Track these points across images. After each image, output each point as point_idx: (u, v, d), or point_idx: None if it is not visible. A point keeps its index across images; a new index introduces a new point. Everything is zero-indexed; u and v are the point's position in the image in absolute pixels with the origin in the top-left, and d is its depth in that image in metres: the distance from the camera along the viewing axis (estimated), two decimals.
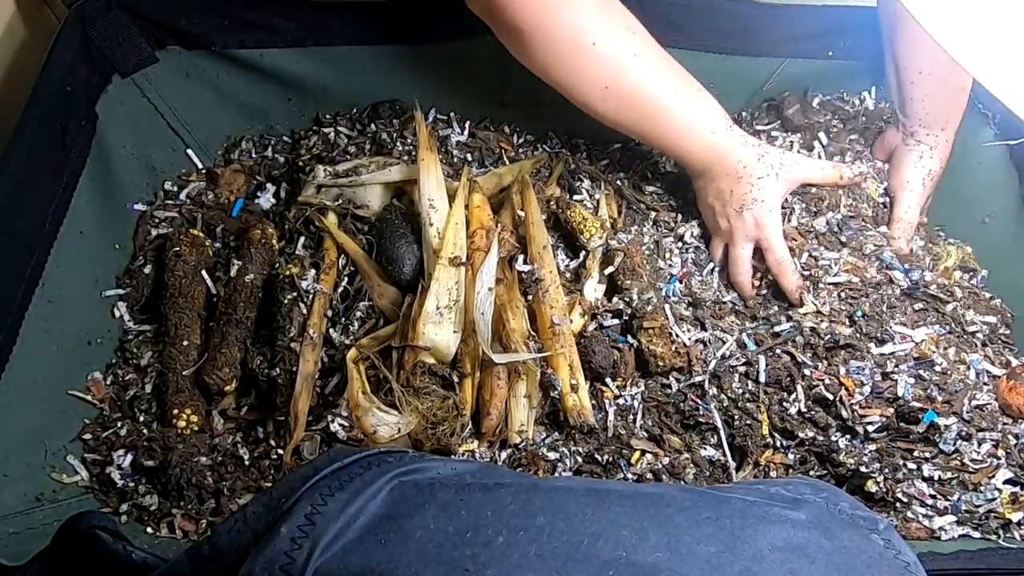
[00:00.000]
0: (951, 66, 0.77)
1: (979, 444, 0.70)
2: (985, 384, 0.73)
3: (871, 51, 0.95)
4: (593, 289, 0.83)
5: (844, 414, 0.72)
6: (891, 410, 0.71)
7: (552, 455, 0.74)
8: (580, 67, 0.78)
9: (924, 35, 0.71)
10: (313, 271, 0.81)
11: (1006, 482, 0.68)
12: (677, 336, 0.79)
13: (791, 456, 0.74)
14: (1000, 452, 0.69)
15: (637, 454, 0.75)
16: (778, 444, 0.74)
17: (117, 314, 0.84)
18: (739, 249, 0.83)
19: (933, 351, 0.74)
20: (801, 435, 0.73)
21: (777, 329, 0.78)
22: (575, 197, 0.93)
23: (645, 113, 0.80)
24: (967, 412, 0.70)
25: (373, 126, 0.98)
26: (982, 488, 0.67)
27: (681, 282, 0.84)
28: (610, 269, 0.84)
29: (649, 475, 0.74)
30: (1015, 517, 0.66)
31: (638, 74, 0.78)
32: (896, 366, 0.73)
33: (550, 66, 0.79)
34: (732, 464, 0.75)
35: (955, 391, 0.71)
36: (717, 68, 0.99)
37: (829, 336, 0.75)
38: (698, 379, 0.78)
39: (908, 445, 0.70)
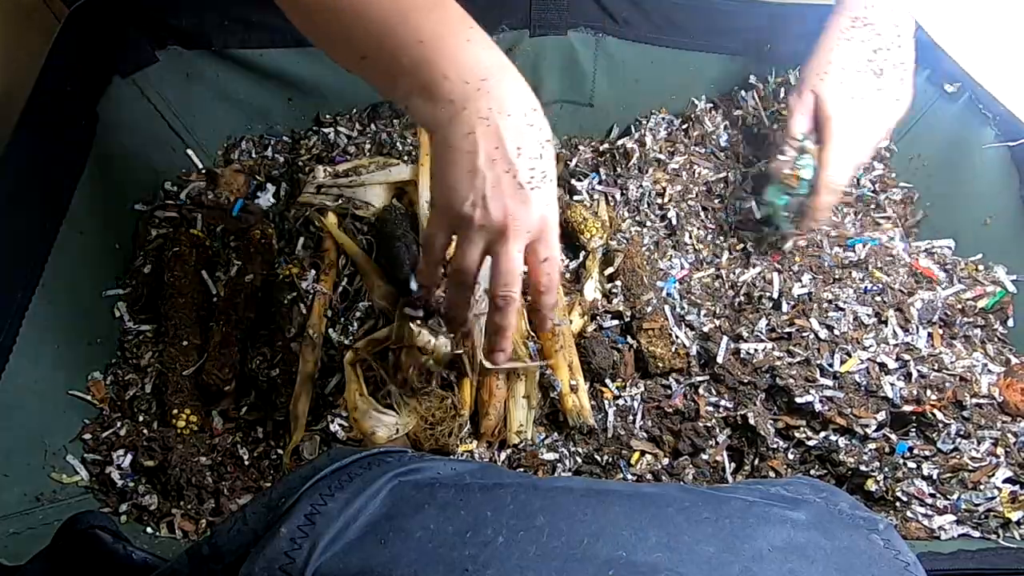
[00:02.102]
0: None
1: (978, 443, 0.70)
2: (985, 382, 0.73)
3: None
4: (593, 289, 0.83)
5: (841, 421, 0.72)
6: (882, 414, 0.71)
7: (552, 455, 0.74)
8: None
9: None
10: (313, 271, 0.81)
11: (1005, 481, 0.68)
12: (677, 337, 0.79)
13: (791, 456, 0.74)
14: (999, 451, 0.69)
15: (637, 455, 0.75)
16: (778, 444, 0.74)
17: (117, 314, 0.84)
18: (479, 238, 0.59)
19: (932, 349, 0.74)
20: (800, 435, 0.73)
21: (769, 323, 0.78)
22: (575, 197, 0.93)
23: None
24: (966, 411, 0.70)
25: (373, 126, 0.98)
26: (981, 487, 0.67)
27: (681, 283, 0.84)
28: (610, 270, 0.84)
29: (649, 476, 0.74)
30: (1015, 516, 0.66)
31: None
32: (890, 366, 0.73)
33: None
34: (731, 465, 0.75)
35: (954, 390, 0.71)
36: (717, 68, 0.99)
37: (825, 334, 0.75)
38: (698, 379, 0.78)
39: (908, 444, 0.71)
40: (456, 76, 0.54)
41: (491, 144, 0.55)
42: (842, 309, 0.77)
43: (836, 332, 0.75)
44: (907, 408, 0.71)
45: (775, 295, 0.79)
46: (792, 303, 0.79)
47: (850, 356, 0.74)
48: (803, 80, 0.81)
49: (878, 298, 0.78)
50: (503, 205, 0.56)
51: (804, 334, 0.76)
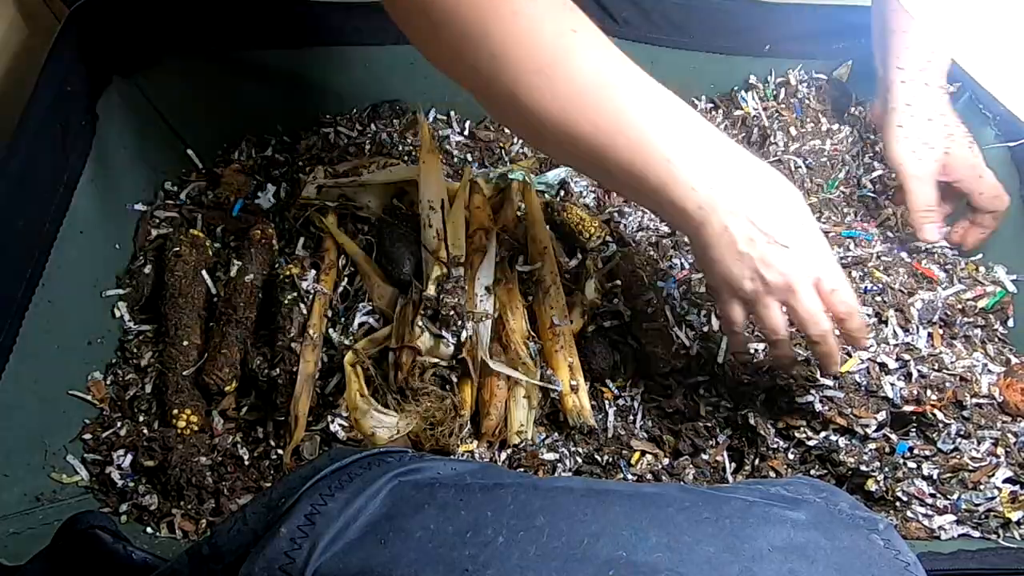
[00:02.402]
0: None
1: (978, 443, 0.70)
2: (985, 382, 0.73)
3: (872, 51, 0.95)
4: (593, 289, 0.83)
5: (841, 421, 0.72)
6: (882, 414, 0.71)
7: (552, 456, 0.74)
8: (499, 44, 0.56)
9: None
10: (313, 271, 0.81)
11: (1005, 481, 0.68)
12: (677, 337, 0.79)
13: (791, 456, 0.74)
14: (999, 450, 0.69)
15: (637, 455, 0.75)
16: (778, 444, 0.74)
17: (117, 314, 0.84)
18: (776, 301, 0.64)
19: (932, 349, 0.74)
20: (800, 435, 0.73)
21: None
22: (572, 198, 0.93)
23: (598, 111, 0.57)
24: (966, 410, 0.70)
25: (373, 126, 0.98)
26: (982, 487, 0.67)
27: (681, 283, 0.84)
28: (609, 269, 0.84)
29: (649, 476, 0.74)
30: (1015, 516, 0.66)
31: (581, 54, 0.57)
32: (890, 366, 0.73)
33: (459, 45, 0.58)
34: (732, 465, 0.75)
35: (954, 390, 0.71)
36: (717, 68, 0.99)
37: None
38: (698, 379, 0.78)
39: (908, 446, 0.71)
40: (703, 186, 0.59)
41: (745, 230, 0.60)
42: None
43: (835, 332, 0.75)
44: (907, 408, 0.71)
45: None
46: None
47: (850, 356, 0.74)
48: (919, 140, 0.78)
49: (878, 298, 0.78)
50: (777, 270, 0.61)
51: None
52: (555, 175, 0.94)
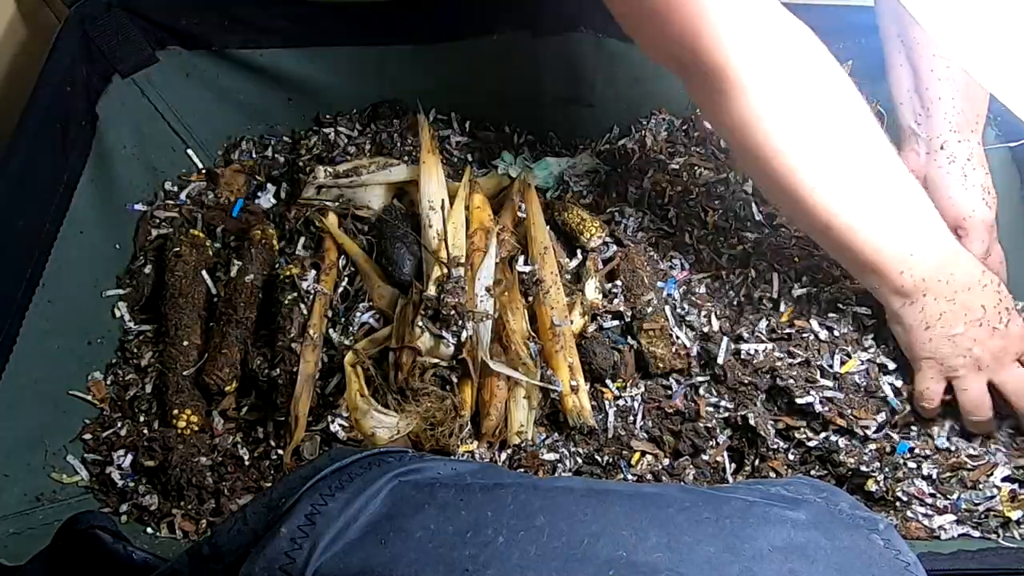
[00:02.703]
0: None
1: (977, 441, 0.70)
2: None
3: (873, 51, 0.95)
4: (593, 290, 0.83)
5: (841, 421, 0.72)
6: (882, 415, 0.71)
7: (552, 456, 0.74)
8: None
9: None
10: (313, 272, 0.81)
11: (1004, 480, 0.68)
12: (677, 337, 0.79)
13: (791, 456, 0.74)
14: (995, 447, 0.69)
15: (637, 455, 0.75)
16: (778, 445, 0.74)
17: (117, 314, 0.84)
18: (982, 379, 0.68)
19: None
20: (800, 436, 0.73)
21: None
22: (572, 198, 0.93)
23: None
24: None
25: (373, 126, 0.98)
26: (981, 486, 0.67)
27: (681, 284, 0.84)
28: (610, 269, 0.84)
29: (649, 476, 0.74)
30: (1014, 515, 0.66)
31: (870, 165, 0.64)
32: (890, 367, 0.73)
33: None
34: (732, 466, 0.75)
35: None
36: None
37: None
38: (698, 380, 0.78)
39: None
40: (912, 276, 0.66)
41: (960, 316, 0.66)
42: (842, 310, 0.77)
43: (836, 333, 0.75)
44: (907, 408, 0.71)
45: (774, 295, 0.79)
46: (791, 303, 0.79)
47: (850, 357, 0.74)
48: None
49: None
50: (987, 349, 0.66)
51: (804, 335, 0.76)
52: (554, 163, 0.94)
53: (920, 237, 0.65)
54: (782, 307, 0.79)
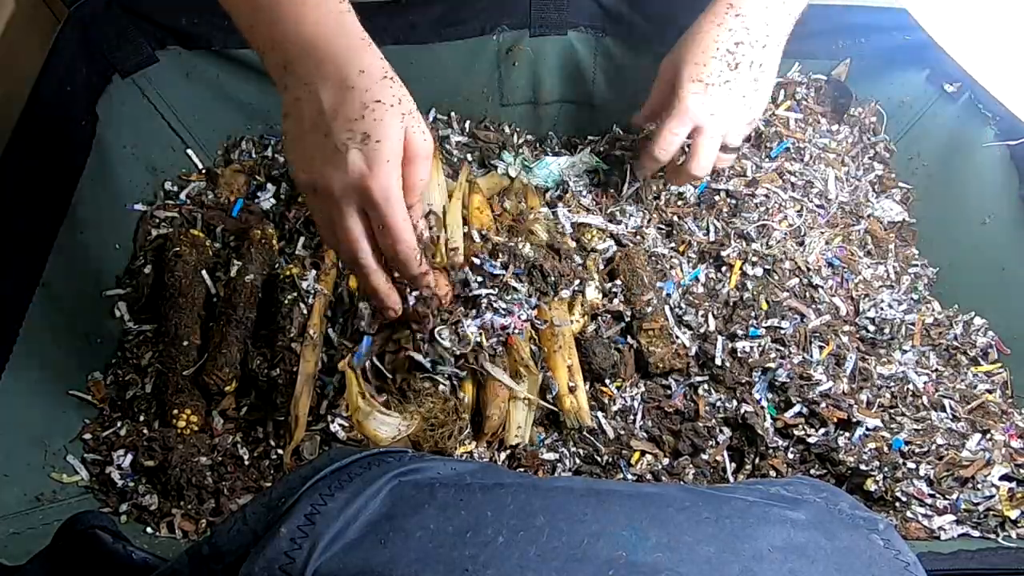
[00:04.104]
0: None
1: (971, 438, 0.70)
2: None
3: (873, 51, 0.95)
4: (593, 289, 0.83)
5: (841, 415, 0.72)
6: (886, 414, 0.72)
7: (551, 456, 0.74)
8: None
9: None
10: (313, 271, 0.81)
11: (1002, 478, 0.68)
12: (677, 337, 0.79)
13: (791, 455, 0.74)
14: (989, 443, 0.70)
15: (637, 455, 0.75)
16: (777, 443, 0.74)
17: (117, 314, 0.84)
18: (344, 211, 0.61)
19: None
20: (799, 433, 0.73)
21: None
22: (572, 198, 0.93)
23: None
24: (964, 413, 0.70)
25: None
26: (979, 484, 0.67)
27: (680, 284, 0.84)
28: (610, 269, 0.84)
29: (649, 476, 0.74)
30: (1013, 514, 0.66)
31: None
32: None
33: None
34: (732, 465, 0.75)
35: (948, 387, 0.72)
36: None
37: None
38: (697, 380, 0.78)
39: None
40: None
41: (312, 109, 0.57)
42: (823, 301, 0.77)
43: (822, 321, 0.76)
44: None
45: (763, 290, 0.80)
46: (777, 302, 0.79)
47: (847, 358, 0.74)
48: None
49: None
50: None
51: (792, 322, 0.76)
52: (553, 163, 0.94)
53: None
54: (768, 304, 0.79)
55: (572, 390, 0.76)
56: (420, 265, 0.62)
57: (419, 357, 0.71)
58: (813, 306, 0.79)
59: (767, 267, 0.81)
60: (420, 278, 0.64)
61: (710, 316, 0.80)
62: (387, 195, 0.58)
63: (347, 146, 0.56)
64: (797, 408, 0.73)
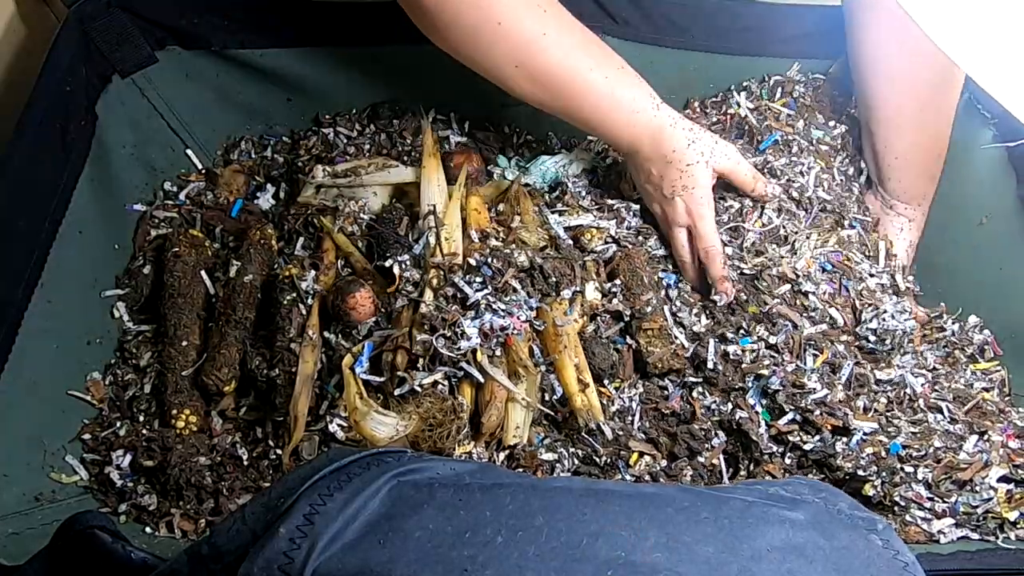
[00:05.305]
0: (926, 151, 0.89)
1: (968, 440, 0.70)
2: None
3: None
4: (593, 289, 0.83)
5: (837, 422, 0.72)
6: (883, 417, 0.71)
7: (550, 456, 0.74)
8: (487, 47, 0.76)
9: (899, 120, 0.87)
10: (312, 272, 0.81)
11: (1000, 480, 0.68)
12: (676, 338, 0.79)
13: (788, 461, 0.73)
14: (986, 444, 0.70)
15: (635, 456, 0.75)
16: (772, 450, 0.74)
17: (117, 314, 0.84)
18: (674, 232, 0.83)
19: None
20: (795, 439, 0.73)
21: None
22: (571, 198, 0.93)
23: (560, 92, 0.78)
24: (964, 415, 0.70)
25: (373, 126, 0.98)
26: (976, 486, 0.67)
27: (680, 284, 0.84)
28: (610, 269, 0.84)
29: (647, 477, 0.74)
30: (1011, 516, 0.66)
31: (549, 53, 0.76)
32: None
33: (459, 46, 0.77)
34: (728, 470, 0.75)
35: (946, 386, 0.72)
36: (717, 68, 0.99)
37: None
38: (695, 381, 0.78)
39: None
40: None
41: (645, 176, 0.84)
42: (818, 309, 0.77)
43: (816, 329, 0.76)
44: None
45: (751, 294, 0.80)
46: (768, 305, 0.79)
47: (843, 366, 0.74)
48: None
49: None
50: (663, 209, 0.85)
51: (785, 325, 0.76)
52: (550, 162, 0.94)
53: (632, 105, 0.79)
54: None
55: (583, 388, 0.75)
56: (723, 268, 0.80)
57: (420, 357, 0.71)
58: (805, 314, 0.77)
59: (749, 272, 0.80)
60: (721, 278, 0.80)
61: (703, 316, 0.80)
62: (702, 222, 0.81)
63: (673, 194, 0.81)
64: (790, 416, 0.73)
